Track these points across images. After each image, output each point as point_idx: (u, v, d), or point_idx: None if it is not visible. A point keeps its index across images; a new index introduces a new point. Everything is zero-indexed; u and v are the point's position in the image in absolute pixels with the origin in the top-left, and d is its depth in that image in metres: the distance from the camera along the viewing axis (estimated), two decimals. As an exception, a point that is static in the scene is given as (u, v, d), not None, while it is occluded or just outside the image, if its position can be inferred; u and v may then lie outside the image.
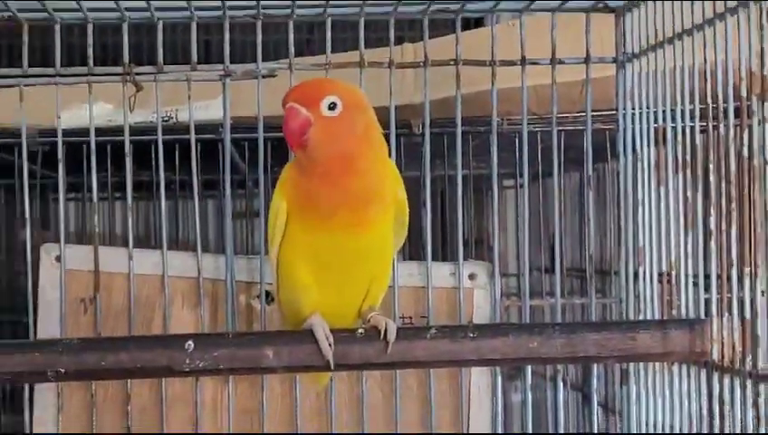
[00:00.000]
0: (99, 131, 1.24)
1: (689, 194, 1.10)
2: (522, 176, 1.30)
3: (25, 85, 1.22)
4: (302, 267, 1.03)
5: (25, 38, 1.21)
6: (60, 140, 1.22)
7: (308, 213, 1.00)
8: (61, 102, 1.22)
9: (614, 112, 1.25)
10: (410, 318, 1.24)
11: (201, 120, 1.24)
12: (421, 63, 1.23)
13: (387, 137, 1.07)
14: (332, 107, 0.97)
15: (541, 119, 1.29)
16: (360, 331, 1.01)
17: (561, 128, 1.31)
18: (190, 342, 1.03)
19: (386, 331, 0.99)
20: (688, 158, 1.09)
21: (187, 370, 1.04)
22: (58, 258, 1.23)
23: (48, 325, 1.22)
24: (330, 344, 0.98)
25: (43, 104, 1.23)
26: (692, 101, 1.08)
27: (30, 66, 1.22)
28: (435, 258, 1.25)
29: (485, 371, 1.26)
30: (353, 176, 0.99)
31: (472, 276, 1.25)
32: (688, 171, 1.10)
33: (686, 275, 1.10)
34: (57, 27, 1.21)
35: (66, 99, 1.23)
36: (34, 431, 1.24)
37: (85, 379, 1.15)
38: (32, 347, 1.02)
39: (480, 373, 1.26)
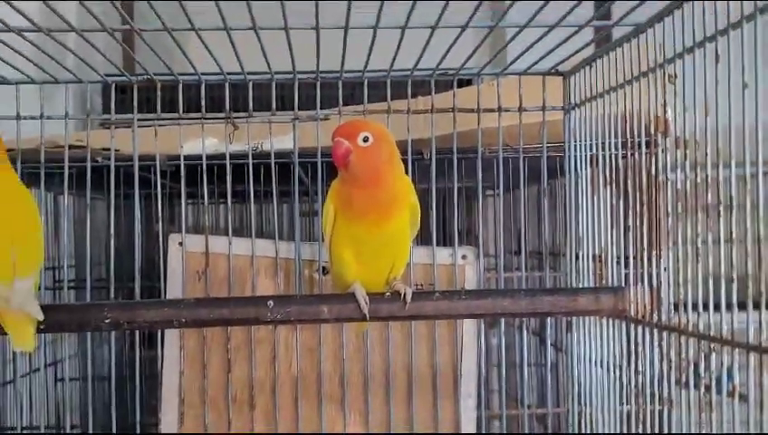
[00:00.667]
0: (209, 157, 1.25)
1: (614, 201, 1.11)
2: (498, 187, 1.30)
3: (159, 126, 1.23)
4: (346, 250, 1.04)
5: (158, 93, 1.23)
6: (182, 163, 1.24)
7: (349, 212, 1.02)
8: (182, 137, 1.24)
9: (562, 144, 1.25)
10: (421, 285, 1.25)
11: (278, 149, 1.25)
12: (429, 111, 1.24)
13: (405, 161, 1.08)
14: (366, 139, 0.99)
15: (511, 148, 1.29)
16: (386, 294, 1.02)
17: (525, 155, 1.32)
18: (271, 301, 1.05)
19: (404, 295, 1.00)
20: (614, 176, 1.10)
21: (269, 320, 1.05)
22: (180, 244, 1.24)
23: (173, 290, 1.24)
24: (366, 303, 1.00)
25: (171, 138, 1.25)
26: (616, 136, 1.09)
27: (162, 112, 1.23)
28: (438, 244, 1.26)
29: (473, 322, 1.26)
30: (380, 188, 1.01)
31: (464, 257, 1.26)
32: (613, 185, 1.11)
33: (612, 257, 1.10)
34: (180, 86, 1.22)
35: (185, 135, 1.25)
36: (164, 362, 1.24)
37: (199, 326, 1.17)
38: (163, 304, 1.04)
39: (469, 323, 1.27)
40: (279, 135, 1.26)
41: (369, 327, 1.23)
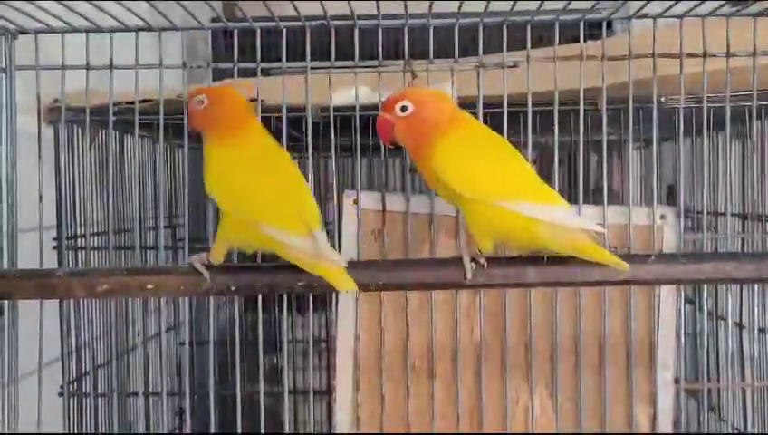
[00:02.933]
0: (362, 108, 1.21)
1: None
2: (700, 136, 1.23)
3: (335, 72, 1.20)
4: None
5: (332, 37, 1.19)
6: (356, 114, 1.21)
7: None
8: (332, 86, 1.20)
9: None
10: (615, 247, 1.19)
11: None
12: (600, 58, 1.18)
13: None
14: (404, 109, 0.99)
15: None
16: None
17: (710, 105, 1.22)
18: (472, 263, 1.01)
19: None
20: None
21: (469, 284, 1.02)
22: (355, 201, 1.22)
23: (348, 250, 1.21)
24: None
25: (320, 88, 1.21)
26: None
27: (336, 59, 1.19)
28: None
29: (671, 287, 1.21)
30: (424, 157, 0.98)
31: (663, 217, 1.21)
32: None
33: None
34: (356, 30, 1.18)
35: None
36: (338, 327, 1.23)
37: (398, 289, 1.14)
38: (359, 265, 1.03)
39: (667, 289, 1.22)
40: (440, 83, 1.22)
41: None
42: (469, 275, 1.00)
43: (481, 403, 1.21)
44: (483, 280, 1.02)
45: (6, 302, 1.12)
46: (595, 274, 1.01)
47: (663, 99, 1.24)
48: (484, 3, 1.12)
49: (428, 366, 1.22)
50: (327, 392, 1.76)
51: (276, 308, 1.78)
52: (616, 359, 1.21)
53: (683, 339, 1.21)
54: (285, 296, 1.35)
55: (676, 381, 1.21)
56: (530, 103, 1.17)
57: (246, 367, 1.72)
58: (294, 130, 1.33)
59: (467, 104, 1.18)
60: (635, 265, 1.00)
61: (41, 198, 1.21)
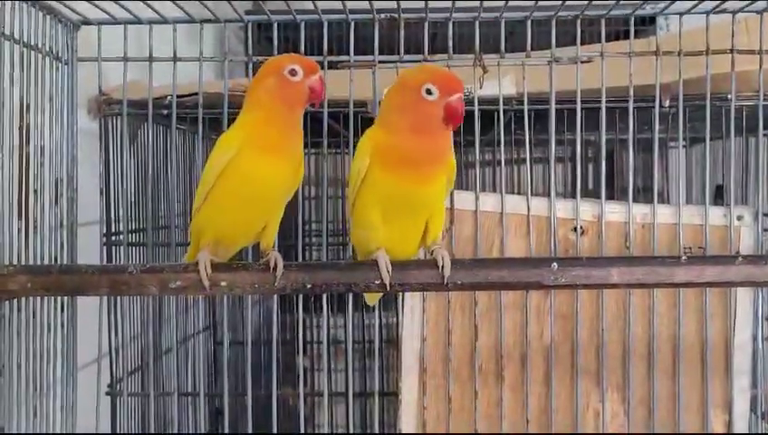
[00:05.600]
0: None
1: None
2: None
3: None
4: (374, 210, 1.01)
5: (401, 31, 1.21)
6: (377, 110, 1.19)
7: (391, 166, 0.98)
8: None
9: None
10: (689, 249, 1.22)
11: (489, 95, 1.22)
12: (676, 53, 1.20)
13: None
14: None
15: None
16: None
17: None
18: (555, 263, 1.04)
19: (442, 264, 1.00)
20: None
21: (551, 284, 1.04)
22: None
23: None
24: (388, 272, 1.00)
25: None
26: None
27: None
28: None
29: (748, 291, 1.24)
30: (441, 139, 0.99)
31: (740, 217, 1.23)
32: None
33: None
34: (426, 24, 1.20)
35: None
36: (404, 328, 1.24)
37: (474, 289, 1.15)
38: (432, 265, 1.02)
39: (744, 293, 1.24)
40: (492, 79, 1.23)
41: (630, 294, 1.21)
42: (387, 282, 1.00)
43: (550, 407, 1.23)
44: (565, 281, 1.03)
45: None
46: (680, 274, 1.02)
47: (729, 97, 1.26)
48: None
49: (497, 369, 1.24)
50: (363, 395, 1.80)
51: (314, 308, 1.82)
52: (690, 362, 1.23)
53: (761, 344, 1.23)
54: (326, 296, 1.35)
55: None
56: (603, 98, 1.19)
57: (283, 367, 1.75)
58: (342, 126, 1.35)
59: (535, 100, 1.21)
60: (721, 267, 1.02)
61: (102, 192, 1.23)
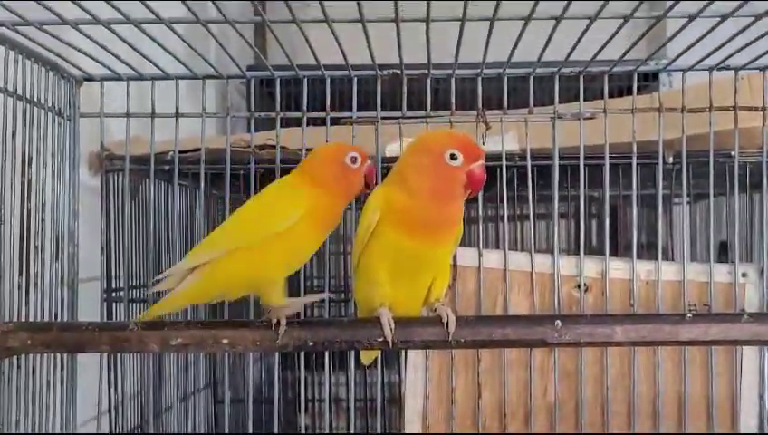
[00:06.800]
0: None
1: None
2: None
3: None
4: (381, 267, 1.02)
5: (403, 88, 1.23)
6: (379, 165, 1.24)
7: (402, 225, 0.99)
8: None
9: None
10: (695, 306, 1.23)
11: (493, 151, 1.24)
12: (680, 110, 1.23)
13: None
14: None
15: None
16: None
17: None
18: (558, 321, 1.04)
19: (447, 321, 1.00)
20: None
21: (556, 342, 1.04)
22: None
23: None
24: (391, 329, 1.01)
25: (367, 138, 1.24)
26: None
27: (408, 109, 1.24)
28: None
29: (754, 347, 1.23)
30: (455, 205, 1.00)
31: (744, 274, 1.24)
32: None
33: None
34: (428, 80, 1.23)
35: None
36: (407, 385, 1.25)
37: (477, 347, 1.15)
38: (436, 323, 1.03)
39: (750, 349, 1.24)
40: (495, 135, 1.25)
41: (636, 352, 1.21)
42: (390, 339, 1.01)
43: (556, 465, 1.24)
44: (569, 338, 1.04)
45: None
46: (685, 332, 1.03)
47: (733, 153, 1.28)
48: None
49: (500, 426, 1.25)
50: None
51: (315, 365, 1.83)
52: (696, 421, 1.24)
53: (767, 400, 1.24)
54: (328, 353, 1.36)
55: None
56: (606, 154, 1.21)
57: (284, 426, 1.75)
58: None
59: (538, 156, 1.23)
60: (726, 324, 1.03)
61: (102, 248, 1.24)
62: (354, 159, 1.04)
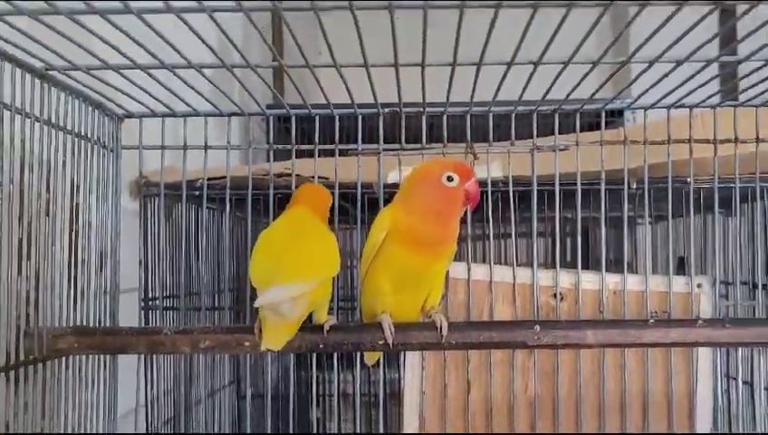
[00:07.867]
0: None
1: None
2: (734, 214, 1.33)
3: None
4: (385, 279, 1.08)
5: (402, 123, 1.29)
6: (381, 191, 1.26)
7: (408, 242, 1.04)
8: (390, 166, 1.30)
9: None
10: (656, 313, 1.28)
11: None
12: (641, 142, 1.28)
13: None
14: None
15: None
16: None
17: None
18: (537, 326, 1.11)
19: (441, 326, 1.07)
20: None
21: (535, 344, 1.11)
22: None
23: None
24: (391, 333, 1.07)
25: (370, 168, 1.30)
26: None
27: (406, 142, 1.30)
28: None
29: (709, 350, 1.30)
30: (454, 224, 1.07)
31: (699, 285, 1.29)
32: None
33: None
34: (424, 117, 1.28)
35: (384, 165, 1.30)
36: (405, 383, 1.31)
37: (467, 348, 1.20)
38: (431, 327, 1.10)
39: (705, 351, 1.30)
40: (482, 164, 1.30)
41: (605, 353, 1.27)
42: (390, 342, 1.07)
43: (535, 454, 1.29)
44: (546, 341, 1.11)
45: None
46: (648, 335, 1.10)
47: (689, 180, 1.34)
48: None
49: (487, 419, 1.30)
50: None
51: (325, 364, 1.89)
52: (658, 414, 1.29)
53: (720, 397, 1.30)
54: (337, 354, 1.41)
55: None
56: (578, 181, 1.27)
57: (298, 418, 1.81)
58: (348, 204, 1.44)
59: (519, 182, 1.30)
60: (684, 329, 1.10)
61: (140, 263, 1.31)
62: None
